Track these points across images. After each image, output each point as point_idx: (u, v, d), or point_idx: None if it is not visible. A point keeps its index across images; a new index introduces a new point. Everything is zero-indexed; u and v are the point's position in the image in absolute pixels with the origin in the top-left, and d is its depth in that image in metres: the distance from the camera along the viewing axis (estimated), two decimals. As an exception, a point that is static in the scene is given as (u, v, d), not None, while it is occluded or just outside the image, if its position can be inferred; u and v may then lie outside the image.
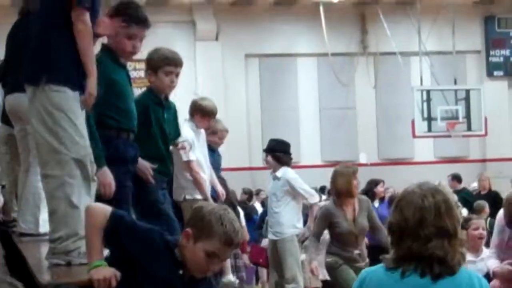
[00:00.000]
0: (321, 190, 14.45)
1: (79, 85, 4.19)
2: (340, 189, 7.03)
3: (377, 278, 3.01)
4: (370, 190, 10.93)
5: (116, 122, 4.68)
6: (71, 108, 4.18)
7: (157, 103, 5.18)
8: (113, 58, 4.69)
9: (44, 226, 5.75)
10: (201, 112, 6.48)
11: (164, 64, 5.19)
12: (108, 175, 4.45)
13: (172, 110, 5.39)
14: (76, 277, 3.86)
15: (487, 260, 5.70)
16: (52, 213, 4.29)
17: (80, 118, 4.24)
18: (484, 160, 19.44)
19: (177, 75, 5.25)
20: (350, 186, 7.00)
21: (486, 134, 17.46)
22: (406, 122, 17.44)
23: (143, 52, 5.04)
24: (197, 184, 6.13)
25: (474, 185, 14.20)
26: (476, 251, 6.27)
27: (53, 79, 4.11)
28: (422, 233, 2.93)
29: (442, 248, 2.93)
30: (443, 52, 18.35)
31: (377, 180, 11.22)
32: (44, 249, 4.80)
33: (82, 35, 4.07)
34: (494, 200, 11.89)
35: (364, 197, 7.63)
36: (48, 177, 4.22)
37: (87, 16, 4.05)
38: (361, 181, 15.27)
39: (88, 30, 4.07)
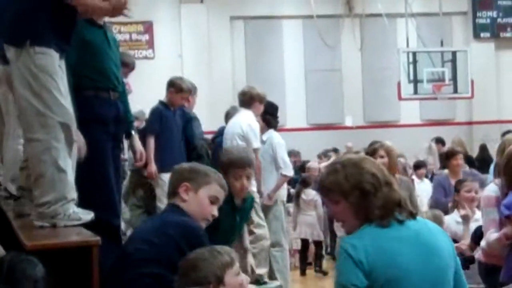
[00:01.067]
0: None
1: (60, 48, 4.13)
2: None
3: (372, 240, 3.03)
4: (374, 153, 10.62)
5: (91, 82, 4.68)
6: (56, 70, 4.11)
7: None
8: (88, 19, 4.62)
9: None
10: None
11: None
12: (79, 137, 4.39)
13: None
14: (62, 238, 3.84)
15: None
16: (38, 177, 4.23)
17: (63, 80, 4.18)
18: (470, 123, 19.46)
19: None
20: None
21: (472, 96, 17.43)
22: (392, 84, 17.39)
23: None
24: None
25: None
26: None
27: (37, 41, 4.03)
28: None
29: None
30: (429, 13, 18.26)
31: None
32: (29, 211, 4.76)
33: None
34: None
35: (405, 178, 7.55)
36: (33, 141, 4.17)
37: None
38: (349, 144, 15.41)
39: None
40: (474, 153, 14.61)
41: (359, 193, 3.04)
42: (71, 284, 3.78)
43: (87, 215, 4.11)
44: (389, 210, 3.02)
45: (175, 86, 8.00)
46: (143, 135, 7.44)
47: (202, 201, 3.85)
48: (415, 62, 17.05)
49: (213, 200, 3.90)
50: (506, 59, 19.58)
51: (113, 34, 5.09)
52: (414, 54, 17.19)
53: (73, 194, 4.11)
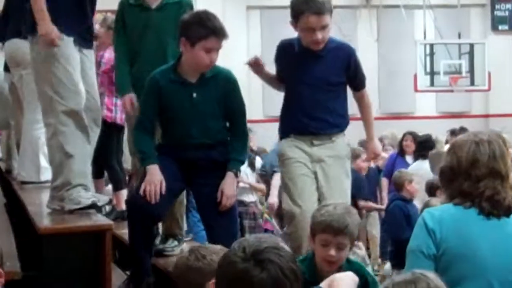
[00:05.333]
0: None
1: (75, 31, 4.14)
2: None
3: (451, 215, 3.04)
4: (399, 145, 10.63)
5: None
6: (67, 56, 4.13)
7: None
8: None
9: (44, 173, 5.74)
10: None
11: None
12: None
13: None
14: (72, 223, 3.87)
15: None
16: (51, 162, 4.34)
17: (75, 63, 4.19)
18: (487, 116, 19.34)
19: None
20: None
21: (489, 89, 17.33)
22: (409, 76, 17.30)
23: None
24: None
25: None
26: None
27: None
28: (473, 173, 3.02)
29: (493, 188, 3.02)
30: (447, 5, 18.14)
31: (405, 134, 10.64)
32: (45, 196, 4.82)
33: None
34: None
35: None
36: (46, 126, 4.23)
37: None
38: (361, 136, 15.33)
39: None
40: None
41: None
42: (85, 269, 3.80)
43: (87, 200, 4.14)
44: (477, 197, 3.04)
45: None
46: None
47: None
48: (432, 54, 16.97)
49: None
50: (524, 52, 19.45)
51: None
52: (432, 46, 17.10)
53: (81, 179, 4.13)
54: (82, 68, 4.29)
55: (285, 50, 4.85)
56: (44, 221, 4.02)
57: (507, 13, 19.29)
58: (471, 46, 17.25)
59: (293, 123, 4.74)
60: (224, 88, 4.31)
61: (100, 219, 4.05)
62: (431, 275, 2.38)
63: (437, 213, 3.06)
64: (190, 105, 4.24)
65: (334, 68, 4.72)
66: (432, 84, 17.05)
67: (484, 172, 3.03)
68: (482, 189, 3.01)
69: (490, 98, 18.92)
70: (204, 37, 4.15)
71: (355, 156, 8.64)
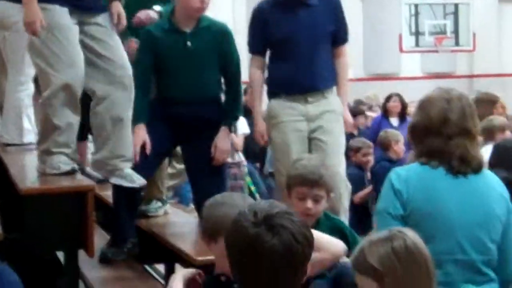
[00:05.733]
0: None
1: (68, 1, 4.07)
2: None
3: (418, 175, 3.02)
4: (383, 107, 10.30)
5: None
6: (60, 27, 4.05)
7: None
8: None
9: (27, 135, 5.71)
10: None
11: None
12: None
13: None
14: (54, 184, 3.86)
15: None
16: (38, 126, 4.34)
17: (70, 34, 4.10)
18: (471, 76, 19.37)
19: None
20: None
21: (474, 49, 17.33)
22: (393, 36, 17.26)
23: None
24: None
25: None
26: None
27: None
28: (444, 131, 3.01)
29: (464, 146, 3.01)
30: (433, -35, 18.07)
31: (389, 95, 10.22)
32: (28, 157, 4.80)
33: None
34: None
35: None
36: (41, 98, 4.20)
37: None
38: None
39: None
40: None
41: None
42: (67, 230, 3.79)
43: (67, 166, 4.13)
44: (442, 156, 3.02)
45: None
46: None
47: None
48: (417, 14, 16.91)
49: None
50: (509, 13, 19.43)
51: None
52: (416, 6, 17.03)
53: (63, 149, 4.11)
54: (94, 36, 4.18)
55: (267, 9, 4.68)
56: (26, 182, 4.00)
57: (492, -27, 19.23)
58: (456, 6, 17.20)
59: (286, 80, 4.61)
60: (220, 39, 4.20)
61: (82, 180, 4.03)
62: (409, 232, 2.39)
63: (404, 173, 3.03)
64: (184, 54, 4.14)
65: (327, 15, 4.62)
66: (417, 44, 17.02)
67: (455, 131, 3.01)
68: (453, 147, 2.99)
69: (474, 58, 18.93)
70: None
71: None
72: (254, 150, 9.45)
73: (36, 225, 3.70)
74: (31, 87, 5.76)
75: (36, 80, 5.30)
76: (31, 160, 4.60)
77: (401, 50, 17.10)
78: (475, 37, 16.96)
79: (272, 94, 4.70)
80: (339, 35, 4.75)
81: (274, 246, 2.01)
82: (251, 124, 6.07)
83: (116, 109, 4.12)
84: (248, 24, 4.82)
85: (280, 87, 4.66)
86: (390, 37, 17.86)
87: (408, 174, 3.03)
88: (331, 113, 4.63)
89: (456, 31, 16.96)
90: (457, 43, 17.09)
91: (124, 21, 4.25)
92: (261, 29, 4.69)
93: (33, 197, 3.71)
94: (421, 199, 2.97)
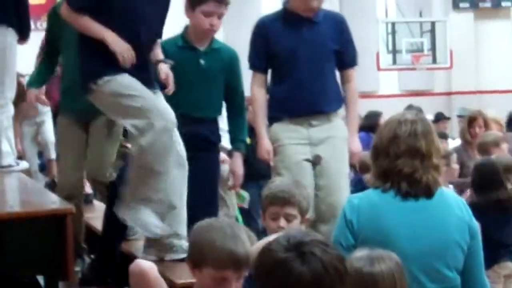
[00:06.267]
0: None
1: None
2: None
3: (369, 202, 2.98)
4: (375, 124, 10.16)
5: None
6: (128, 84, 3.78)
7: None
8: None
9: (6, 158, 5.65)
10: None
11: None
12: None
13: None
14: (32, 208, 3.81)
15: None
16: None
17: (138, 85, 3.83)
18: (449, 93, 19.46)
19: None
20: None
21: (451, 67, 17.43)
22: (371, 55, 17.30)
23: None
24: None
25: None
26: None
27: None
28: (392, 150, 2.92)
29: (411, 166, 2.90)
30: (409, -17, 18.19)
31: (377, 112, 10.19)
32: (6, 180, 4.75)
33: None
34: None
35: None
36: None
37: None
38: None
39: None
40: (453, 123, 14.61)
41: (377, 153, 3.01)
42: (45, 254, 3.74)
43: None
44: (395, 178, 2.95)
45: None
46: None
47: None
48: (394, 32, 17.02)
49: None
50: (485, 30, 19.54)
51: None
52: (393, 24, 17.16)
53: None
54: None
55: (269, 25, 4.57)
56: (5, 206, 3.95)
57: (468, -10, 19.39)
58: (433, 24, 17.32)
59: (288, 102, 4.43)
60: (229, 62, 4.33)
61: (61, 204, 3.98)
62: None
63: (356, 202, 2.99)
64: (196, 71, 4.21)
65: (331, 34, 4.50)
66: (394, 62, 17.12)
67: (403, 150, 2.92)
68: (400, 167, 2.90)
69: (452, 75, 19.02)
70: (203, 0, 4.16)
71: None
72: (259, 171, 9.30)
73: (14, 249, 3.65)
74: (11, 109, 5.71)
75: (15, 103, 5.31)
76: (10, 184, 4.56)
77: (378, 68, 17.16)
78: (452, 54, 17.06)
79: (273, 119, 4.52)
80: (346, 58, 4.62)
81: (303, 274, 1.92)
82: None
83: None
84: (250, 40, 4.66)
85: (282, 111, 4.47)
86: (367, 56, 17.86)
87: (360, 203, 2.98)
88: (335, 138, 4.46)
89: (433, 49, 17.06)
90: (434, 61, 17.19)
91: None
92: (262, 44, 4.56)
93: (11, 222, 3.66)
94: (371, 228, 2.91)
